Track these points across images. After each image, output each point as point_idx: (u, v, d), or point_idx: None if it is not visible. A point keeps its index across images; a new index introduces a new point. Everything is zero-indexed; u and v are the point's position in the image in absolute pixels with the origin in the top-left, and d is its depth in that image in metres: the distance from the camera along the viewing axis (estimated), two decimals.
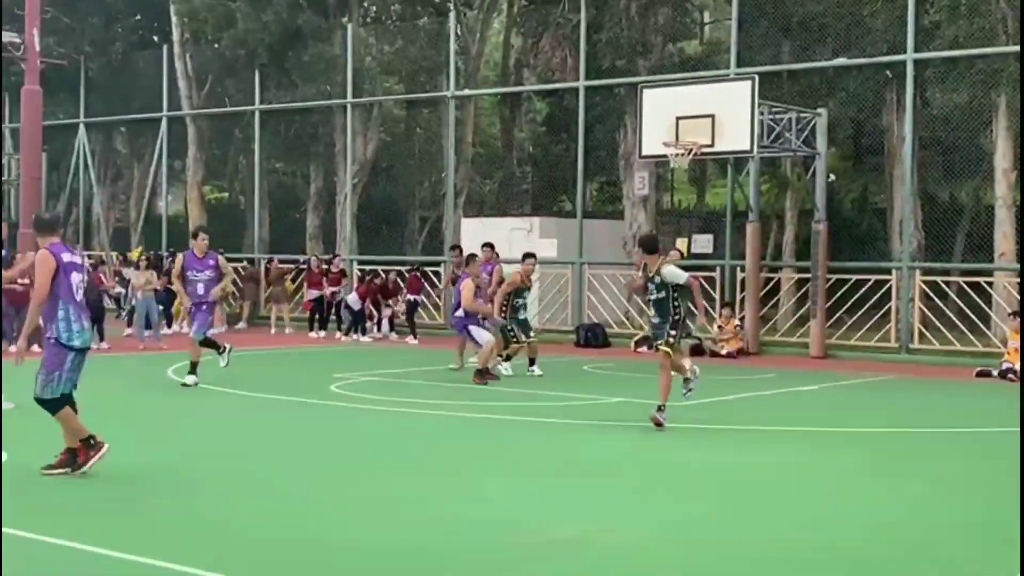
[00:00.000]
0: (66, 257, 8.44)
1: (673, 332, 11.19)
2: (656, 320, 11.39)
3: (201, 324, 14.30)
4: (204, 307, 14.36)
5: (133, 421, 11.54)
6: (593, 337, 22.42)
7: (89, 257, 29.92)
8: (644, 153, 20.66)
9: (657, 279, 11.19)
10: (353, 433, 11.01)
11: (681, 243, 23.12)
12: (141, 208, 33.21)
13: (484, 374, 15.09)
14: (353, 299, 23.35)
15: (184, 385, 13.99)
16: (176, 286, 15.30)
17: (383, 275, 24.39)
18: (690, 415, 12.35)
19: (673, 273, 11.17)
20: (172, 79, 29.71)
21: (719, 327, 20.63)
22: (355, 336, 23.05)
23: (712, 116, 19.22)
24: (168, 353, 18.71)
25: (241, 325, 26.04)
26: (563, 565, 6.08)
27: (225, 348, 14.42)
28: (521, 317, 16.49)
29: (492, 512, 7.36)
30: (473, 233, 26.20)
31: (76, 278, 8.51)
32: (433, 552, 6.30)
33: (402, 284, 24.32)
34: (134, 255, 26.52)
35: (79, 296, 8.52)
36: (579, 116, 24.26)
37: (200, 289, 14.38)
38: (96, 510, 7.39)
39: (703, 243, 23.30)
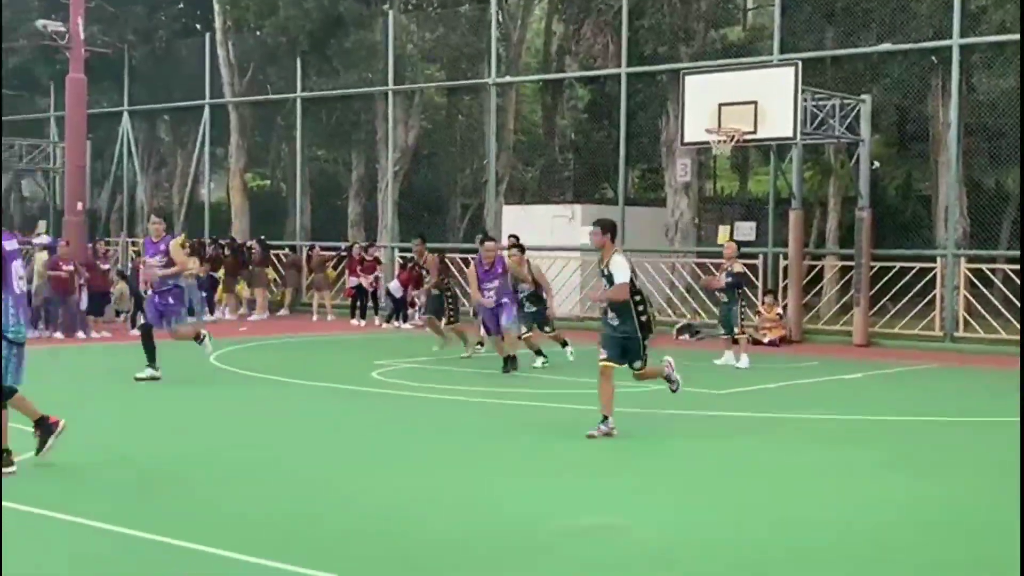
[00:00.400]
0: (8, 246, 7.90)
1: (645, 340, 9.85)
2: (615, 322, 9.84)
3: (175, 317, 13.51)
4: (170, 300, 13.37)
5: (178, 409, 11.66)
6: None
7: (133, 244, 30.24)
8: (686, 140, 20.54)
9: (606, 270, 9.91)
10: (393, 421, 11.03)
11: (724, 230, 22.98)
12: (184, 196, 33.46)
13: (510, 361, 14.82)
14: (395, 286, 23.41)
15: (138, 379, 13.13)
16: (141, 272, 14.84)
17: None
18: (731, 403, 12.30)
19: (617, 265, 9.78)
20: (214, 67, 29.87)
21: (758, 314, 20.50)
22: (396, 323, 23.11)
23: (755, 103, 19.06)
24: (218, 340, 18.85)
25: (283, 312, 26.20)
26: (593, 554, 6.07)
27: (204, 336, 13.73)
28: (527, 310, 15.80)
29: (524, 502, 7.36)
30: (514, 220, 26.20)
31: (17, 267, 8.03)
32: (464, 542, 6.32)
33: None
34: (177, 243, 26.67)
35: (20, 287, 8.06)
36: (621, 103, 24.13)
37: (151, 275, 13.79)
38: (155, 498, 7.45)
39: (745, 230, 23.12)
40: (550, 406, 11.94)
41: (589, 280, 24.09)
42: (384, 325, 23.12)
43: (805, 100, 19.37)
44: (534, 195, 32.92)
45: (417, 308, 23.61)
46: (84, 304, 19.59)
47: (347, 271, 24.91)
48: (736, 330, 15.86)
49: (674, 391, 10.41)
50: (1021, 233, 20.84)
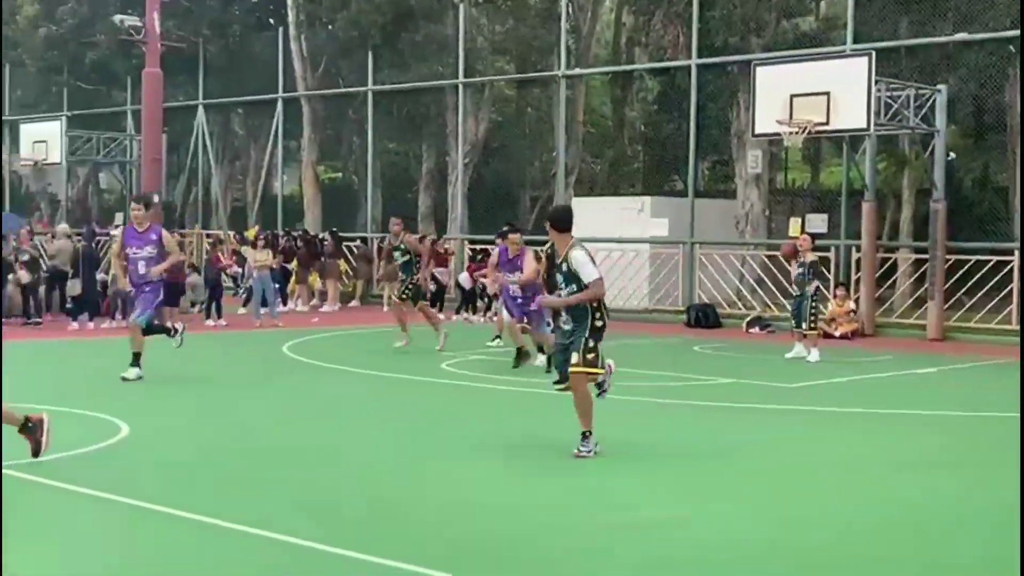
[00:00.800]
0: None
1: (591, 344, 8.31)
2: (568, 326, 8.47)
3: (144, 308, 12.46)
4: (147, 289, 12.47)
5: (256, 400, 11.85)
6: (704, 317, 22.23)
7: (208, 236, 30.76)
8: (757, 131, 20.38)
9: (565, 267, 8.46)
10: (464, 413, 11.12)
11: (795, 223, 22.76)
12: (257, 188, 33.94)
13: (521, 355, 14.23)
14: (464, 278, 23.54)
15: (124, 379, 12.14)
16: (114, 265, 13.69)
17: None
18: (801, 397, 12.22)
19: (580, 261, 8.40)
20: (288, 61, 30.24)
21: (831, 307, 20.28)
22: (466, 315, 23.24)
23: (827, 93, 18.86)
24: (284, 330, 19.15)
25: (354, 303, 26.48)
26: (653, 552, 6.09)
27: (176, 329, 12.95)
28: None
29: (590, 495, 7.39)
30: (583, 212, 26.19)
31: None
32: (536, 536, 6.37)
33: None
34: (250, 234, 27.14)
35: None
36: (691, 94, 24.00)
37: (140, 268, 12.49)
38: (253, 491, 7.61)
39: (817, 223, 22.87)
40: (620, 399, 11.93)
41: (659, 272, 24.04)
42: (453, 317, 23.25)
43: (879, 90, 19.11)
44: (603, 187, 32.87)
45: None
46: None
47: (433, 265, 24.71)
48: (805, 324, 15.72)
49: (598, 395, 8.71)
50: (1021, 230, 20.42)
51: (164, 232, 12.96)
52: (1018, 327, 19.75)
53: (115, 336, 18.23)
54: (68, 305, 19.89)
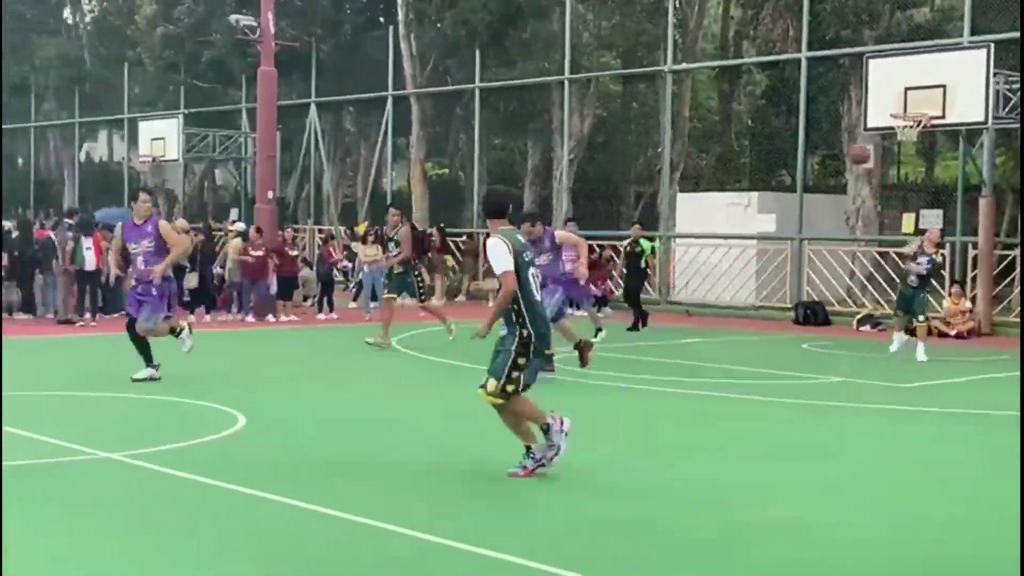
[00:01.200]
0: None
1: (519, 362, 7.23)
2: (503, 331, 7.48)
3: (152, 311, 11.59)
4: (153, 291, 11.59)
5: (370, 392, 12.07)
6: (813, 315, 21.91)
7: (319, 232, 31.34)
8: (869, 125, 20.01)
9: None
10: (576, 409, 11.14)
11: (908, 218, 22.29)
12: (367, 184, 34.44)
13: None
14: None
15: (135, 380, 11.54)
16: (111, 261, 12.80)
17: (598, 250, 24.52)
18: (917, 397, 11.99)
19: (489, 249, 7.30)
20: (397, 59, 30.62)
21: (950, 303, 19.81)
22: (570, 310, 23.23)
23: (943, 86, 18.44)
24: (392, 324, 19.40)
25: (460, 298, 26.73)
26: (776, 546, 6.07)
27: (183, 328, 12.12)
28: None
29: (705, 492, 7.39)
30: (688, 208, 26.04)
31: None
32: (650, 532, 6.40)
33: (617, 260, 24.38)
34: (360, 230, 27.58)
35: None
36: (801, 88, 23.64)
37: (140, 264, 11.59)
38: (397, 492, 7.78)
39: (932, 219, 22.35)
40: (733, 396, 11.87)
41: (766, 269, 23.77)
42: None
43: (997, 83, 18.61)
44: (709, 182, 32.60)
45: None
46: (274, 289, 20.41)
47: None
48: (923, 316, 15.40)
49: (540, 461, 7.40)
50: (1021, 227, 19.56)
51: (162, 223, 11.85)
52: None
53: (231, 329, 18.73)
54: (185, 298, 20.48)
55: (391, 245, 16.21)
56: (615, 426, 9.97)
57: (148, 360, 11.74)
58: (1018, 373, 14.61)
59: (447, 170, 41.59)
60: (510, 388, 7.27)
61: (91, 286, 19.56)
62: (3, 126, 45.33)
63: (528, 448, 7.46)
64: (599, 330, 16.00)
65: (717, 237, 24.17)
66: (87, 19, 46.24)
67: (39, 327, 18.62)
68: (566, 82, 27.29)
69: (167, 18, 34.26)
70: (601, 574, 5.48)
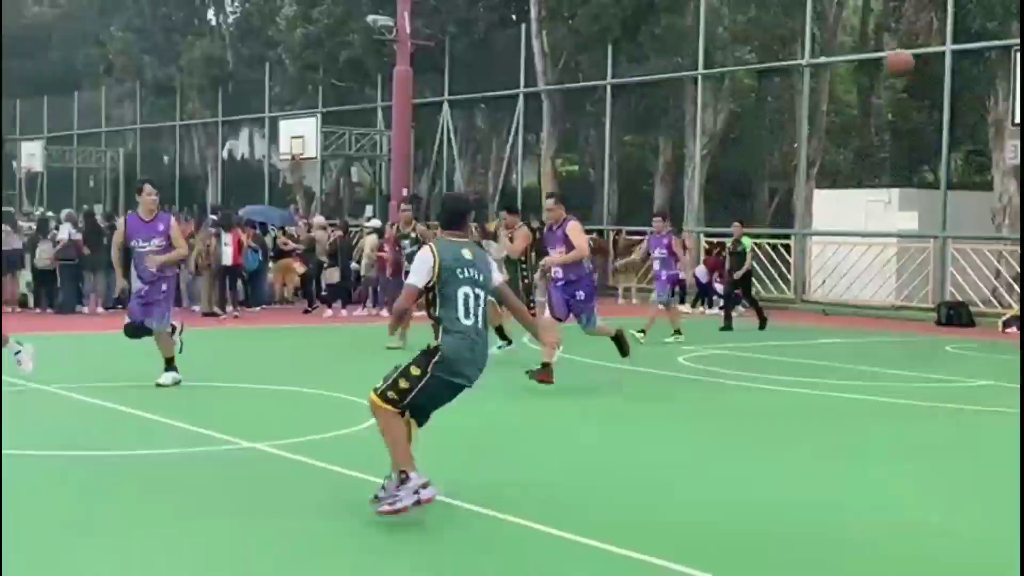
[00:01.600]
0: None
1: (414, 371, 6.37)
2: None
3: (163, 314, 11.00)
4: (164, 291, 11.02)
5: (499, 387, 12.14)
6: (956, 316, 21.22)
7: None
8: (1017, 120, 19.32)
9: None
10: (707, 409, 11.06)
11: None
12: (498, 181, 34.67)
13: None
14: (701, 271, 23.35)
15: (159, 385, 10.94)
16: (114, 258, 12.12)
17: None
18: None
19: (415, 260, 6.59)
20: (529, 56, 30.74)
21: None
22: (702, 308, 23.05)
23: None
24: None
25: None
26: (907, 549, 5.92)
27: (176, 327, 11.24)
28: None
29: (838, 494, 7.24)
30: (825, 205, 25.51)
31: None
32: (799, 535, 6.31)
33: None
34: (491, 227, 27.77)
35: None
36: (945, 82, 22.91)
37: (151, 264, 10.93)
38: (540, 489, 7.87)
39: None
40: (874, 400, 11.59)
41: (907, 268, 23.12)
42: (690, 310, 23.09)
43: None
44: (847, 179, 31.86)
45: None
46: None
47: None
48: None
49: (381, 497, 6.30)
50: (1021, 224, 19.16)
51: (173, 221, 11.21)
52: None
53: (366, 323, 19.09)
54: (323, 292, 20.98)
55: (405, 243, 15.76)
56: (749, 425, 9.83)
57: (169, 363, 11.05)
58: None
59: (577, 167, 41.58)
60: (390, 395, 6.27)
61: (231, 280, 20.16)
62: (147, 125, 47.15)
63: (395, 475, 6.21)
64: (677, 332, 15.81)
65: (855, 235, 23.62)
66: (230, 20, 47.64)
67: (186, 320, 19.25)
68: (699, 77, 27.01)
69: (307, 19, 35.05)
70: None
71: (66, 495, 6.77)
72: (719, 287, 21.81)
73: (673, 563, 5.52)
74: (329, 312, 20.19)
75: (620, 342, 12.13)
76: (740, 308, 22.12)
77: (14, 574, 5.23)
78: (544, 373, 11.23)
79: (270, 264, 22.14)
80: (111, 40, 46.01)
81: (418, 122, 33.82)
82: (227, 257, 19.58)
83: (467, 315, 6.38)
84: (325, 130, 33.01)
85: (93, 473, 7.39)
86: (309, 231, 22.66)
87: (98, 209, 29.67)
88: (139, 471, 7.47)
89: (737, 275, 19.06)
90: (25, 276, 20.05)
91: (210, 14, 48.14)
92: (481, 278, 6.47)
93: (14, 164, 49.95)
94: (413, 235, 15.64)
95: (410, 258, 14.85)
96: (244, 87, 41.86)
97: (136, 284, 11.27)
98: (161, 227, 10.89)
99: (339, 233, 21.63)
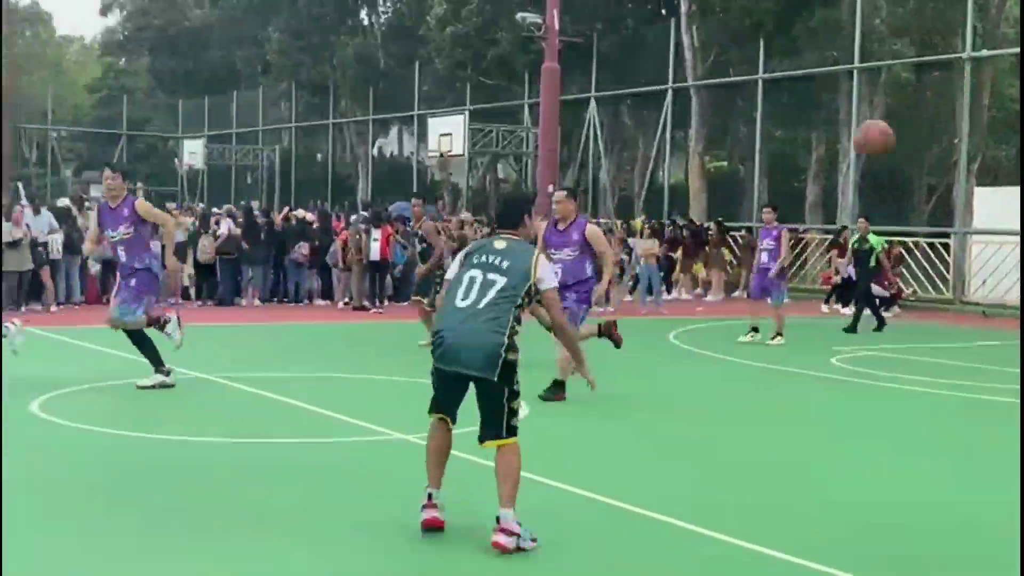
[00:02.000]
0: None
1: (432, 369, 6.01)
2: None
3: (135, 305, 10.06)
4: (132, 279, 10.03)
5: (642, 387, 12.12)
6: None
7: (597, 225, 31.60)
8: None
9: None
10: (860, 411, 10.81)
11: None
12: (644, 178, 34.50)
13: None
14: (851, 269, 22.73)
15: (141, 388, 10.11)
16: (86, 249, 11.54)
17: (886, 247, 23.50)
18: None
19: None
20: (678, 51, 30.48)
21: None
22: (836, 306, 22.45)
23: None
24: (668, 319, 19.40)
25: (738, 293, 26.31)
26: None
27: (168, 319, 10.41)
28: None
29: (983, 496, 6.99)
30: (986, 202, 24.59)
31: None
32: (939, 537, 6.13)
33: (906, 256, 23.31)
34: (636, 224, 27.66)
35: None
36: None
37: (121, 255, 10.01)
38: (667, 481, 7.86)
39: None
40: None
41: None
42: (823, 307, 22.51)
43: None
44: (1009, 176, 30.61)
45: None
46: None
47: (835, 255, 23.66)
48: None
49: None
50: (1021, 221, 19.00)
51: (138, 201, 10.01)
52: None
53: None
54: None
55: (415, 240, 14.81)
56: (900, 427, 9.56)
57: (157, 363, 10.20)
58: None
59: (726, 163, 41.06)
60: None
61: (380, 275, 20.56)
62: (301, 123, 48.45)
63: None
64: (779, 334, 15.32)
65: (1016, 235, 22.69)
66: (382, 20, 48.59)
67: (340, 313, 19.76)
68: (855, 71, 26.35)
69: (456, 17, 35.51)
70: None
71: (241, 480, 7.00)
72: (881, 290, 21.11)
73: (814, 563, 5.44)
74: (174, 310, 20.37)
75: (609, 336, 10.86)
76: (896, 308, 21.52)
77: (204, 555, 5.46)
78: (559, 392, 10.15)
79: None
80: (268, 41, 47.45)
81: (564, 119, 33.89)
82: (375, 252, 19.99)
83: (464, 297, 5.76)
84: (472, 127, 33.37)
85: (262, 459, 7.64)
86: (462, 228, 22.97)
87: (255, 205, 30.62)
88: (305, 459, 7.71)
89: (847, 272, 18.45)
90: (187, 269, 20.84)
91: (363, 14, 49.19)
92: (504, 265, 5.78)
93: (176, 161, 51.99)
94: (421, 232, 14.51)
95: (423, 255, 14.38)
96: (394, 85, 42.66)
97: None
98: (126, 212, 9.88)
99: (486, 230, 21.85)
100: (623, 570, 5.48)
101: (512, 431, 5.77)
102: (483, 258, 5.88)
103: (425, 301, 13.49)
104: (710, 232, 26.09)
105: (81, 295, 19.00)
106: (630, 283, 24.71)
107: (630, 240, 25.84)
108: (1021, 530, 5.88)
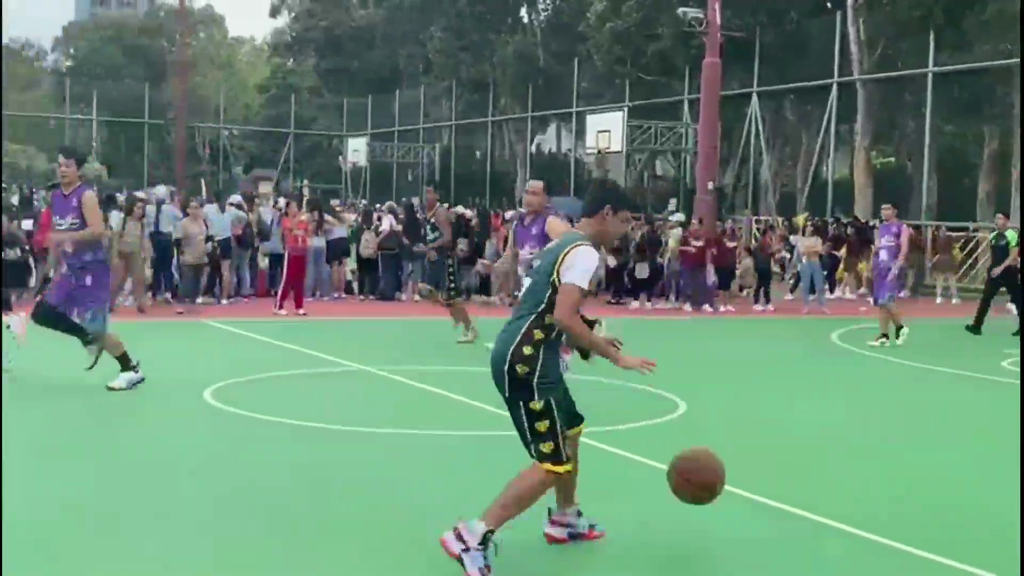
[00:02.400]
0: None
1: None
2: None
3: (95, 308, 9.29)
4: (88, 280, 9.23)
5: (806, 386, 11.91)
6: None
7: (757, 222, 31.12)
8: None
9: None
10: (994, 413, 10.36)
11: None
12: (807, 174, 33.78)
13: None
14: None
15: (111, 389, 9.38)
16: (50, 242, 10.64)
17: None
18: None
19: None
20: (844, 45, 29.74)
21: None
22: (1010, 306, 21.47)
23: None
24: (830, 318, 18.97)
25: (903, 294, 25.52)
26: None
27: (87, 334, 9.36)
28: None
29: None
30: None
31: None
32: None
33: None
34: (799, 220, 27.11)
35: None
36: None
37: (68, 245, 9.25)
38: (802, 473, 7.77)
39: None
40: None
41: None
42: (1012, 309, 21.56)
43: None
44: None
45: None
46: (712, 279, 20.57)
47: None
48: None
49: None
50: (1021, 220, 16.02)
51: (87, 194, 9.26)
52: None
53: (669, 317, 19.12)
54: (627, 285, 21.17)
55: (428, 229, 14.57)
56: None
57: (124, 363, 9.48)
58: None
59: (893, 159, 39.85)
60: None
61: None
62: (461, 121, 49.12)
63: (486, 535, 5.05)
64: (900, 328, 14.65)
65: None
66: (541, 17, 48.86)
67: (498, 309, 19.98)
68: None
69: (616, 13, 35.45)
70: None
71: (408, 470, 7.18)
72: None
73: (964, 564, 5.26)
74: (635, 304, 20.38)
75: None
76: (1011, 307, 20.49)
77: (389, 541, 5.64)
78: None
79: None
80: (430, 40, 48.28)
81: (725, 114, 33.47)
82: None
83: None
84: (631, 124, 33.28)
85: (427, 449, 7.82)
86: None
87: (416, 202, 31.22)
88: (472, 451, 7.87)
89: (996, 271, 17.56)
90: (350, 264, 21.38)
91: (523, 11, 49.57)
92: (536, 264, 5.32)
93: (340, 158, 53.42)
94: (433, 221, 14.04)
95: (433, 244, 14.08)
96: (553, 83, 42.85)
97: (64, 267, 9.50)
98: (75, 202, 9.18)
99: (646, 227, 21.76)
100: None
101: (543, 456, 5.11)
102: (536, 263, 5.39)
103: (441, 296, 13.43)
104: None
105: (251, 288, 19.70)
106: (791, 281, 24.24)
107: (792, 237, 25.34)
108: (1021, 525, 5.65)
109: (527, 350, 5.09)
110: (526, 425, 5.14)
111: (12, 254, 15.88)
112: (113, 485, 6.57)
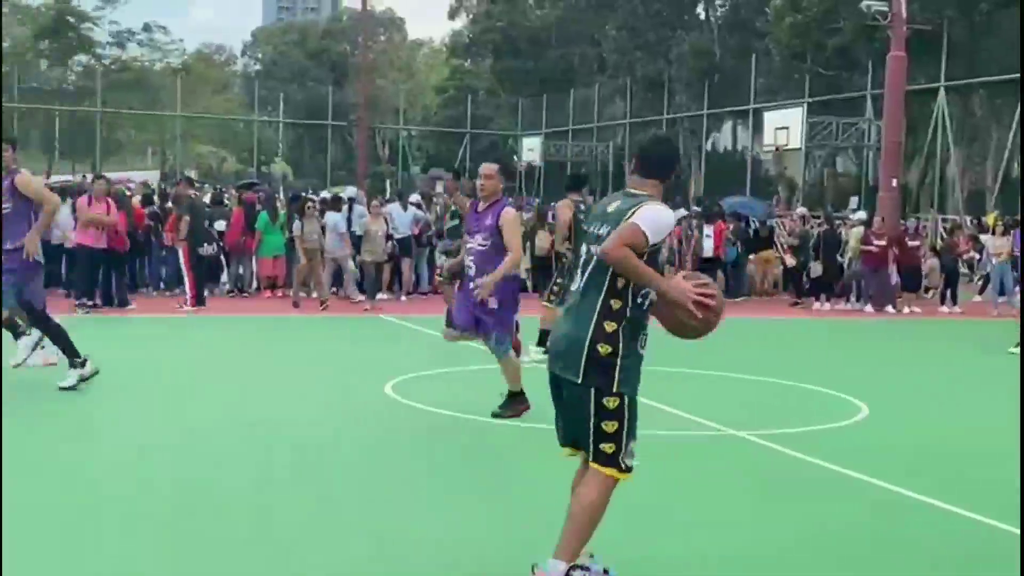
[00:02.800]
0: None
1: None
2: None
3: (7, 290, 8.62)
4: (12, 265, 8.53)
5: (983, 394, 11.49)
6: None
7: (944, 221, 29.98)
8: None
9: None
10: None
11: None
12: (998, 171, 32.34)
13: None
14: None
15: (62, 389, 8.81)
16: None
17: None
18: None
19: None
20: None
21: None
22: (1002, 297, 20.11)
23: None
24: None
25: None
26: None
27: (23, 331, 9.12)
28: None
29: None
30: None
31: None
32: None
33: None
34: (989, 220, 25.99)
35: None
36: None
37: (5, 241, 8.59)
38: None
39: None
40: None
41: None
42: None
43: None
44: None
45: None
46: (895, 279, 19.96)
47: None
48: None
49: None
50: (1021, 219, 14.87)
51: (19, 177, 8.59)
52: None
53: (851, 317, 18.63)
54: (805, 285, 20.73)
55: (447, 214, 14.06)
56: None
57: (71, 356, 8.89)
58: None
59: None
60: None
61: (711, 273, 20.38)
62: (636, 119, 48.96)
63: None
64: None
65: None
66: (719, 13, 48.28)
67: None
68: None
69: (796, 7, 34.73)
70: None
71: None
72: None
73: None
74: (817, 305, 19.95)
75: (512, 399, 8.50)
76: None
77: (507, 527, 5.73)
78: (515, 405, 8.48)
79: (750, 256, 22.13)
80: (605, 39, 48.29)
81: (909, 109, 32.39)
82: (708, 249, 19.89)
83: (577, 279, 4.65)
84: (810, 120, 32.52)
85: None
86: (805, 223, 22.54)
87: (590, 200, 31.27)
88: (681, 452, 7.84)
89: None
90: (524, 263, 21.58)
91: (699, 8, 49.08)
92: (604, 231, 4.53)
93: (515, 158, 53.97)
94: (454, 208, 13.25)
95: (451, 232, 13.64)
96: (729, 79, 42.25)
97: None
98: (7, 184, 8.52)
99: (825, 226, 21.28)
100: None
101: (602, 458, 4.48)
102: (593, 228, 4.67)
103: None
104: None
105: (429, 284, 20.12)
106: (979, 283, 23.28)
107: (982, 237, 24.33)
108: (1021, 522, 5.51)
109: (608, 325, 4.44)
110: (592, 418, 4.48)
111: (209, 250, 16.65)
112: (287, 473, 6.84)
